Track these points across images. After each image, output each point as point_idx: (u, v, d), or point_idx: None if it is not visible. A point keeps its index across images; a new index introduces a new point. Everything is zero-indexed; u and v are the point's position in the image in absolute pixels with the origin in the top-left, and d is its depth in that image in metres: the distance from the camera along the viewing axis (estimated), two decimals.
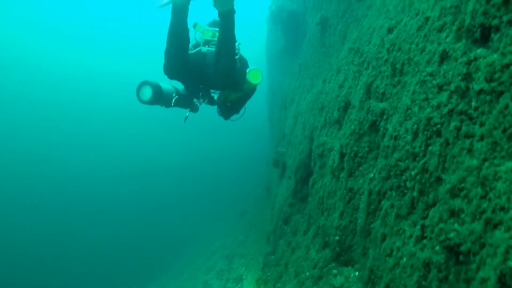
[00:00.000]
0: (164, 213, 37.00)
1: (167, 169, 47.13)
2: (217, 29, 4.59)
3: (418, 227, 2.06)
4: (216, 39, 4.59)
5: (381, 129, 2.95)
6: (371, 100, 3.24)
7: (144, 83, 4.41)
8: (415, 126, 2.26)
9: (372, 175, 2.85)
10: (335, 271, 3.21)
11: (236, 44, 4.59)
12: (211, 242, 18.63)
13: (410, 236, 2.13)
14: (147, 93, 4.36)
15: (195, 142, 49.52)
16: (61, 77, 48.22)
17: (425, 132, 2.14)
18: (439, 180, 1.97)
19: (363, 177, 3.14)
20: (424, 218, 2.04)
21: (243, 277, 10.19)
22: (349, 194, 3.28)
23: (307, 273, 3.93)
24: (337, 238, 3.37)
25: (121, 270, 26.69)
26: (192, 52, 4.66)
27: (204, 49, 4.64)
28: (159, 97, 4.44)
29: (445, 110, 1.98)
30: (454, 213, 1.75)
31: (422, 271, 1.91)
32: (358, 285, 2.76)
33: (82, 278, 27.55)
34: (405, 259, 2.11)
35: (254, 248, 11.56)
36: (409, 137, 2.33)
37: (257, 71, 4.65)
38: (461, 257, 1.64)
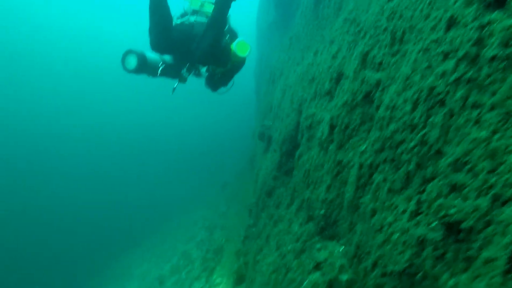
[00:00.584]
0: (145, 184, 36.81)
1: (150, 140, 46.65)
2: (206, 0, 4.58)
3: (413, 202, 1.94)
4: (204, 9, 4.64)
5: (376, 100, 2.79)
6: (366, 71, 3.06)
7: (128, 52, 4.32)
8: (415, 96, 2.11)
9: (364, 147, 2.71)
10: (318, 245, 3.11)
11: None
12: (193, 213, 18.62)
13: (404, 211, 2.01)
14: (131, 62, 4.30)
15: (180, 113, 48.88)
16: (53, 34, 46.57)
17: (426, 102, 1.99)
18: (439, 153, 1.83)
19: (353, 150, 3.00)
20: (421, 193, 1.92)
21: (224, 248, 10.19)
22: (338, 167, 3.15)
23: (289, 247, 3.84)
24: (322, 212, 3.26)
25: (103, 239, 26.65)
26: (179, 22, 4.59)
27: (192, 18, 4.58)
28: (144, 67, 4.35)
29: (451, 78, 1.82)
30: (455, 188, 1.62)
31: (416, 248, 1.80)
32: (343, 260, 2.66)
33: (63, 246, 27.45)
34: (396, 236, 2.00)
35: (236, 220, 11.55)
36: (407, 108, 2.17)
37: (244, 43, 4.53)
38: (461, 235, 1.52)
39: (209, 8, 4.61)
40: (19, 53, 43.07)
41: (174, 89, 4.99)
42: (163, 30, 4.25)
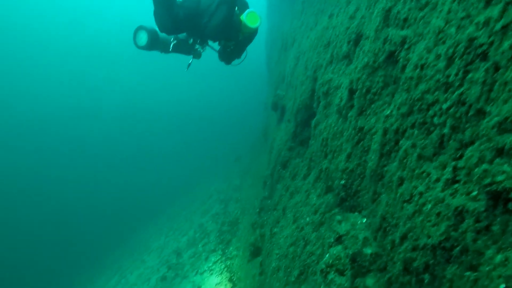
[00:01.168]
0: (161, 159, 37.20)
1: (164, 115, 46.76)
2: None
3: (449, 169, 1.74)
4: None
5: (401, 60, 2.54)
6: (390, 28, 2.79)
7: (140, 28, 4.34)
8: (451, 51, 1.87)
9: (388, 112, 2.49)
10: (339, 217, 2.95)
11: None
12: (207, 187, 18.72)
13: (437, 180, 1.82)
14: (143, 38, 4.33)
15: (192, 87, 48.62)
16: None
17: (465, 57, 1.75)
18: (481, 113, 1.61)
19: (376, 116, 2.78)
20: (457, 159, 1.72)
21: (239, 221, 10.19)
22: (359, 134, 2.95)
23: (307, 219, 3.70)
24: (342, 182, 3.08)
25: (123, 214, 27.27)
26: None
27: None
28: (156, 43, 4.36)
29: (498, 26, 1.57)
30: (503, 152, 1.42)
31: (453, 220, 1.62)
32: (366, 233, 2.51)
33: (85, 223, 28.14)
34: (429, 206, 1.81)
35: (250, 192, 11.50)
36: (441, 64, 1.94)
37: (254, 14, 4.47)
38: (510, 205, 1.33)
39: None
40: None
41: (189, 64, 4.95)
42: (167, 12, 4.17)
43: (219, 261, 8.52)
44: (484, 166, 1.50)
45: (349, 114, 3.21)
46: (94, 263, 21.83)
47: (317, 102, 4.82)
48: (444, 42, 1.97)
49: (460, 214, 1.59)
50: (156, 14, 4.22)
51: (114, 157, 40.68)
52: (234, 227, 10.03)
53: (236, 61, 5.08)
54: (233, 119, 33.84)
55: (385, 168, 2.42)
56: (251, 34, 4.80)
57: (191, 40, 4.74)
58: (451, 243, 1.63)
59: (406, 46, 2.50)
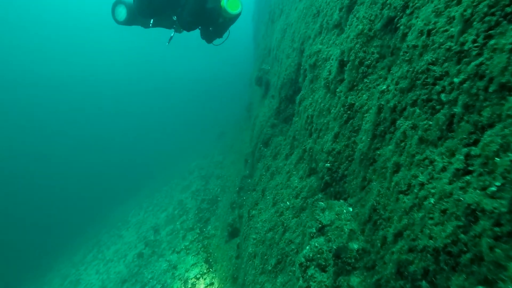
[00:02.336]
0: (143, 134, 36.54)
1: (146, 90, 45.69)
2: None
3: (460, 157, 1.42)
4: None
5: (402, 27, 2.19)
6: None
7: (117, 2, 4.21)
8: (468, 11, 1.52)
9: (384, 87, 2.15)
10: (322, 204, 2.64)
11: None
12: (189, 163, 18.38)
13: (443, 169, 1.50)
14: (121, 13, 4.23)
15: (175, 62, 47.39)
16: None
17: (487, 18, 1.41)
18: (505, 89, 1.28)
19: (369, 91, 2.44)
20: (470, 145, 1.40)
21: (219, 199, 9.91)
22: (349, 112, 2.61)
23: (287, 203, 3.40)
24: (328, 165, 2.76)
25: (103, 189, 26.87)
26: None
27: None
28: (135, 17, 4.23)
29: None
30: None
31: (463, 220, 1.31)
32: (353, 225, 2.20)
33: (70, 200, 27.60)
34: (432, 201, 1.50)
35: (232, 170, 11.21)
36: (454, 29, 1.59)
37: (236, 0, 4.35)
38: None
39: None
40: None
41: (170, 38, 4.84)
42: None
43: (196, 240, 8.26)
44: (509, 155, 1.18)
45: (338, 89, 2.86)
46: (73, 239, 21.47)
47: (303, 76, 4.45)
48: (459, 2, 1.61)
49: (473, 213, 1.28)
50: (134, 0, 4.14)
51: (95, 131, 39.82)
52: (213, 205, 9.76)
53: (218, 41, 4.95)
54: (217, 94, 33.21)
55: (378, 152, 2.10)
56: (233, 18, 4.63)
57: (174, 17, 4.61)
58: (459, 247, 1.32)
59: (408, 11, 2.13)
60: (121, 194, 22.99)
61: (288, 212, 3.27)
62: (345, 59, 2.72)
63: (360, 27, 2.59)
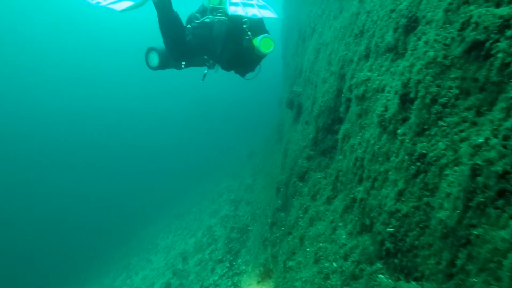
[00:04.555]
0: (172, 153, 36.74)
1: (176, 109, 46.19)
2: None
3: None
4: (223, 6, 4.41)
5: (500, 55, 1.60)
6: (472, 6, 1.85)
7: (150, 49, 4.34)
8: None
9: (481, 140, 1.55)
10: (385, 281, 2.04)
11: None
12: (218, 184, 18.05)
13: None
14: (154, 59, 4.35)
15: (204, 81, 47.78)
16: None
17: None
18: None
19: (447, 138, 1.85)
20: None
21: (249, 228, 9.34)
22: (418, 164, 2.01)
23: (334, 264, 2.80)
24: (390, 229, 2.16)
25: (132, 209, 27.04)
26: (197, 23, 4.42)
27: (210, 18, 4.45)
28: (167, 62, 4.34)
29: None
30: None
31: None
32: None
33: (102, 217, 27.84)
34: None
35: (262, 196, 10.65)
36: None
37: (268, 39, 4.40)
38: None
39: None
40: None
41: (204, 75, 4.93)
42: (178, 46, 4.16)
43: (226, 275, 7.69)
44: None
45: (399, 131, 2.27)
46: (102, 259, 21.44)
47: (345, 106, 3.88)
48: None
49: None
50: (167, 46, 4.16)
51: (124, 150, 40.42)
52: (243, 235, 9.19)
53: (250, 75, 5.04)
54: (245, 112, 33.05)
55: (475, 232, 1.50)
56: (265, 56, 4.70)
57: (206, 57, 4.71)
58: None
59: (510, 33, 1.55)
60: (151, 213, 22.94)
61: (335, 277, 2.67)
62: (411, 95, 2.14)
63: (431, 53, 2.01)
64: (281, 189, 7.06)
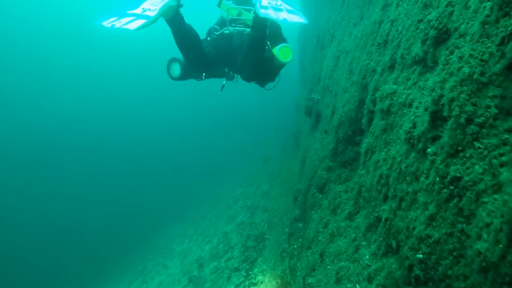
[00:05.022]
0: (188, 158, 36.90)
1: (193, 113, 46.45)
2: (243, 7, 4.51)
3: None
4: (242, 17, 4.53)
5: None
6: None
7: (172, 60, 4.41)
8: None
9: None
10: None
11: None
12: (234, 189, 17.98)
13: None
14: (175, 70, 4.42)
15: (220, 84, 47.96)
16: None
17: None
18: None
19: (484, 161, 1.71)
20: None
21: (266, 236, 9.22)
22: (451, 187, 1.88)
23: (357, 286, 2.67)
24: (420, 256, 2.03)
25: (148, 212, 27.17)
26: (216, 35, 4.46)
27: (229, 30, 4.49)
28: (189, 73, 4.42)
29: None
30: None
31: None
32: None
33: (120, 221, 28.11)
34: None
35: (279, 203, 10.52)
36: None
37: (287, 48, 4.37)
38: None
39: (247, 16, 4.50)
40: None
41: (223, 86, 4.95)
42: (197, 58, 4.16)
43: (242, 285, 7.58)
44: None
45: (429, 150, 2.14)
46: (117, 261, 21.56)
47: (367, 118, 3.75)
48: None
49: None
50: (186, 60, 4.18)
51: (144, 155, 40.80)
52: (260, 243, 9.07)
53: (269, 85, 4.97)
54: (262, 117, 32.93)
55: None
56: (284, 65, 4.66)
57: (226, 69, 4.74)
58: None
59: None
60: (166, 217, 22.99)
61: None
62: (444, 113, 2.01)
63: (467, 70, 1.88)
64: (298, 198, 6.93)
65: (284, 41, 4.64)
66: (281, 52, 4.33)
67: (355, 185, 3.62)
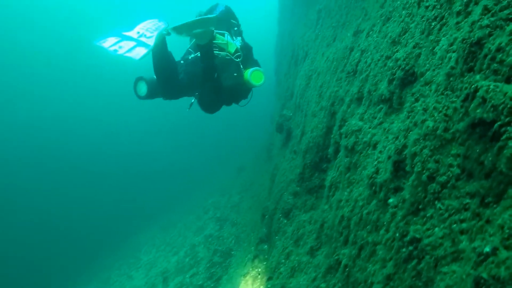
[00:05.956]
0: (159, 165, 36.31)
1: (163, 119, 45.77)
2: (216, 31, 4.44)
3: None
4: (216, 41, 4.47)
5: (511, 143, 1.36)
6: (478, 76, 1.62)
7: (139, 79, 4.35)
8: None
9: (488, 249, 1.31)
10: None
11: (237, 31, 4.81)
12: (205, 198, 17.76)
13: None
14: (142, 89, 4.36)
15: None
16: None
17: None
18: None
19: (445, 224, 1.61)
20: None
21: (233, 253, 9.02)
22: (410, 248, 1.77)
23: None
24: None
25: (117, 218, 26.51)
26: (190, 57, 4.44)
27: (193, 55, 4.49)
28: (155, 92, 4.32)
29: None
30: None
31: None
32: None
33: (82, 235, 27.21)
34: None
35: (247, 218, 10.38)
36: None
37: (259, 72, 4.43)
38: None
39: (221, 40, 4.43)
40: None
41: (191, 104, 4.86)
42: (171, 86, 4.17)
43: None
44: None
45: (391, 201, 2.03)
46: (84, 268, 20.82)
47: (334, 148, 3.64)
48: None
49: None
50: (158, 84, 4.13)
51: (110, 159, 39.91)
52: (226, 259, 8.87)
53: (243, 102, 4.99)
54: (236, 127, 32.80)
55: None
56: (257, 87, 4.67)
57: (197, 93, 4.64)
58: None
59: None
60: (139, 223, 22.41)
61: None
62: (406, 167, 1.89)
63: (431, 124, 1.78)
64: (266, 217, 6.79)
65: (256, 64, 4.65)
66: (253, 76, 4.37)
67: (319, 218, 3.50)
